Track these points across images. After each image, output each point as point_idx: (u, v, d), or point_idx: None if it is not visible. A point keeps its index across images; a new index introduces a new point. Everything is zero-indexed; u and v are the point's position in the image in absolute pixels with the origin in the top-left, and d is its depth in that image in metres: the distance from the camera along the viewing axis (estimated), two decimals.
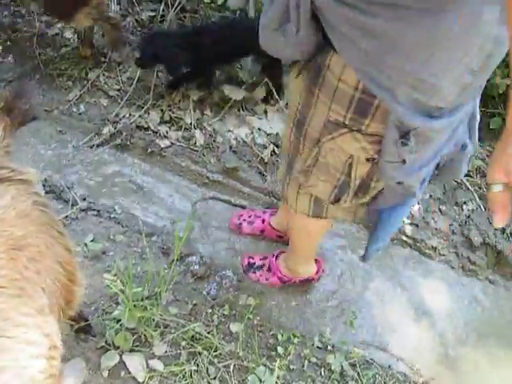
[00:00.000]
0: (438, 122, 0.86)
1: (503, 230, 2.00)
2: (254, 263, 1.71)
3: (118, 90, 2.16)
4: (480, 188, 2.14)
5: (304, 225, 1.39)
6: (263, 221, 1.79)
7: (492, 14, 0.74)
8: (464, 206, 2.06)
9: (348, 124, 0.93)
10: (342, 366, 1.56)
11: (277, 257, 1.70)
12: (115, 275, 1.55)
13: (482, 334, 1.80)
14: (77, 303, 0.99)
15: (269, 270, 1.69)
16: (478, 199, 2.08)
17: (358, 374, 1.57)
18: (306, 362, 1.54)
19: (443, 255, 1.96)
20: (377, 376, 1.59)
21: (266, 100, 2.08)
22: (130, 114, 2.06)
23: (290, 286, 1.70)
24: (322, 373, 1.54)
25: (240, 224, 1.80)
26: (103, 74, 2.18)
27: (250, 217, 1.82)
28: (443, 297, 1.88)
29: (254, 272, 1.70)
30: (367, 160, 0.99)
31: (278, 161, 1.96)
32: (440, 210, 2.05)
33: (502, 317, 1.87)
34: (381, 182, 1.05)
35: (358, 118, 0.91)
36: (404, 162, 0.92)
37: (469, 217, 2.04)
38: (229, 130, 2.01)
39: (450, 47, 0.76)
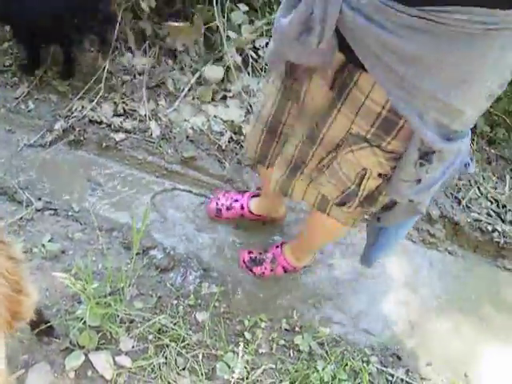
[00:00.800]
0: (454, 144, 0.89)
1: (459, 202, 2.06)
2: (256, 257, 1.72)
3: (68, 85, 2.09)
4: None
5: (323, 224, 1.41)
6: (242, 206, 1.78)
7: None
8: None
9: (369, 139, 0.95)
10: (310, 346, 1.58)
11: (281, 247, 1.71)
12: (75, 274, 1.52)
13: (443, 303, 1.87)
14: (27, 313, 0.96)
15: (273, 261, 1.70)
16: None
17: (327, 352, 1.59)
18: (275, 344, 1.56)
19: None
20: (345, 352, 1.62)
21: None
22: (82, 107, 2.00)
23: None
24: (291, 354, 1.56)
25: (219, 210, 1.79)
26: (51, 69, 2.10)
27: (227, 200, 1.80)
28: (406, 270, 1.93)
29: (258, 266, 1.71)
30: (379, 175, 1.02)
31: (236, 147, 1.95)
32: None
33: (461, 285, 1.94)
34: (387, 196, 1.09)
35: (380, 134, 0.93)
36: (419, 181, 0.96)
37: None
38: (185, 120, 1.98)
39: (481, 76, 0.79)
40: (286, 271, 1.72)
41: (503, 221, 2.08)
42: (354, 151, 0.99)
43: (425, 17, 0.73)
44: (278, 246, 1.73)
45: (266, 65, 2.16)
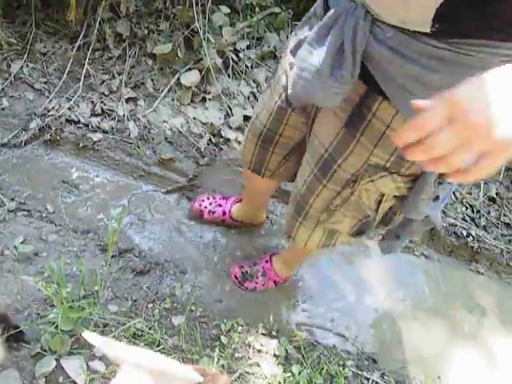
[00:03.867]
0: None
1: None
2: (247, 271, 1.70)
3: (45, 83, 2.05)
4: None
5: None
6: (224, 213, 1.78)
7: None
8: None
9: (389, 167, 0.95)
10: (286, 350, 1.58)
11: (270, 261, 1.70)
12: (48, 277, 1.49)
13: (418, 307, 1.89)
14: None
15: (263, 275, 1.69)
16: None
17: (303, 356, 1.60)
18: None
19: (381, 234, 2.02)
20: (321, 356, 1.63)
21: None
22: (59, 106, 1.96)
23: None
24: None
25: (202, 211, 1.78)
26: (27, 66, 2.05)
27: (210, 204, 1.79)
28: (382, 274, 1.95)
29: (250, 280, 1.69)
30: (394, 196, 1.03)
31: (214, 149, 1.93)
32: None
33: (436, 289, 1.97)
34: (401, 215, 1.09)
35: (400, 161, 0.93)
36: (437, 198, 0.97)
37: None
38: (163, 121, 1.96)
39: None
40: (276, 284, 1.72)
41: (477, 226, 2.12)
42: (374, 181, 0.99)
43: (451, 49, 0.73)
44: (267, 261, 1.72)
45: (247, 67, 2.16)
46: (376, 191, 1.01)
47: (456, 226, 2.08)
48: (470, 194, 2.20)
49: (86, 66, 2.04)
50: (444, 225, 2.06)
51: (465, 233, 2.07)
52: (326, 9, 0.88)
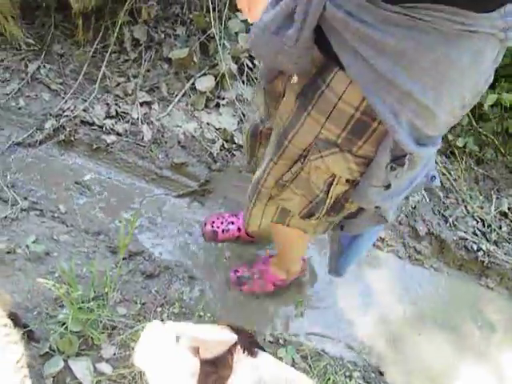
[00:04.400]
0: (425, 149, 0.87)
1: (446, 220, 2.08)
2: (243, 275, 1.69)
3: (61, 84, 2.07)
4: None
5: (285, 234, 1.39)
6: (239, 229, 1.77)
7: (492, 52, 0.77)
8: (410, 198, 2.12)
9: (340, 143, 0.91)
10: (293, 359, 1.57)
11: (266, 263, 1.70)
12: (59, 277, 1.49)
13: (426, 319, 1.88)
14: None
15: (260, 277, 1.68)
16: (423, 190, 2.15)
17: (310, 365, 1.59)
18: None
19: (391, 246, 2.02)
20: (328, 366, 1.62)
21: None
22: (75, 107, 1.98)
23: None
24: None
25: (215, 232, 1.77)
26: (44, 66, 2.07)
27: (222, 223, 1.78)
28: (391, 285, 1.94)
29: (247, 284, 1.69)
30: (347, 181, 0.99)
31: (227, 155, 1.94)
32: None
33: (445, 302, 1.96)
34: (354, 204, 1.05)
35: (352, 138, 0.90)
36: (389, 186, 0.92)
37: (415, 208, 2.10)
38: (177, 125, 1.97)
39: (455, 78, 0.77)
40: (275, 286, 1.71)
41: (488, 240, 2.10)
42: (323, 157, 0.95)
43: (406, 13, 0.72)
44: (263, 263, 1.71)
45: None
46: (326, 170, 0.97)
47: (466, 239, 2.06)
48: (482, 208, 2.19)
49: (102, 68, 2.05)
50: (454, 238, 2.05)
51: (475, 247, 2.05)
52: None
